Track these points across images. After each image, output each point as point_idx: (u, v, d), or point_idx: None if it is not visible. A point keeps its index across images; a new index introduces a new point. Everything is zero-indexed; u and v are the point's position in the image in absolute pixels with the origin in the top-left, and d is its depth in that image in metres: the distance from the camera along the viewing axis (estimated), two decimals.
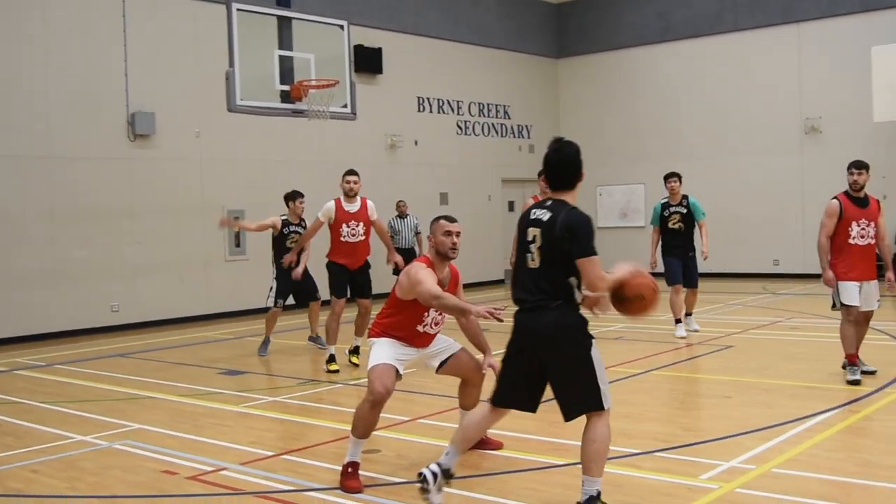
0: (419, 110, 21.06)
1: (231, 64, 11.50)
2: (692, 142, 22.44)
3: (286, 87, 12.10)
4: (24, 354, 13.12)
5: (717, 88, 22.08)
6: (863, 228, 9.04)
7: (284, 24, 12.46)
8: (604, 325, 13.10)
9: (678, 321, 12.40)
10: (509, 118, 23.38)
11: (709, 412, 7.94)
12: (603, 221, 23.50)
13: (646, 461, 6.46)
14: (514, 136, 23.53)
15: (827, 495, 5.54)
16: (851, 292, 8.98)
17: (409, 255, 17.70)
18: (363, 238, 10.97)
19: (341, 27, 12.96)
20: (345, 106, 12.59)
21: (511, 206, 22.82)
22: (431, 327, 6.38)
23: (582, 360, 5.11)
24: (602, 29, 24.00)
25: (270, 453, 7.02)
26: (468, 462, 6.41)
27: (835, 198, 9.27)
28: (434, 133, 21.19)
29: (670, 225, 12.76)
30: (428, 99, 21.25)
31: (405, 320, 6.29)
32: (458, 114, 22.00)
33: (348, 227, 10.79)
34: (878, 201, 9.32)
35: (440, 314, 6.32)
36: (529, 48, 23.90)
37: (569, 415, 5.19)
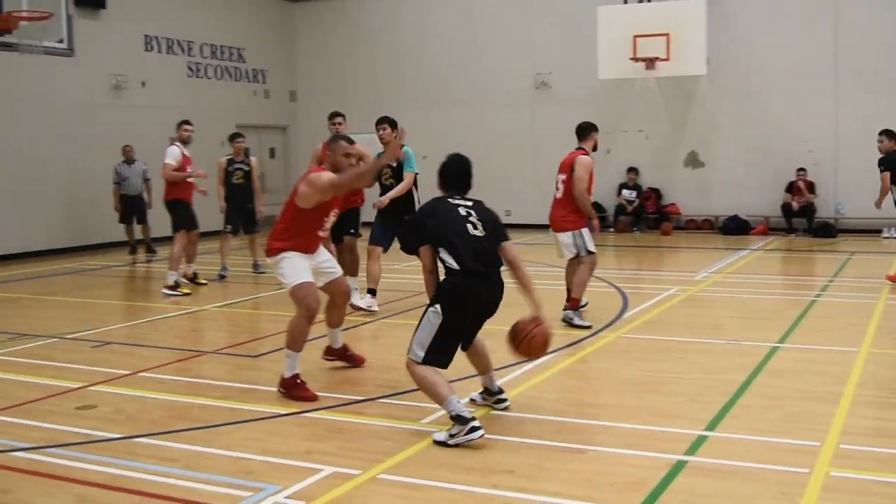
0: (147, 49, 20.02)
1: None
2: (429, 92, 22.69)
3: None
4: None
5: (455, 40, 22.38)
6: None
7: None
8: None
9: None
10: (244, 62, 22.74)
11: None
12: None
13: (369, 407, 6.48)
14: (249, 81, 22.93)
15: (538, 434, 5.77)
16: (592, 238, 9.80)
17: (137, 202, 16.98)
18: None
19: None
20: (61, 41, 11.79)
21: (247, 152, 22.26)
22: (324, 230, 7.16)
23: None
24: None
25: None
26: (183, 413, 6.17)
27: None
28: (163, 74, 20.25)
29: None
30: (157, 38, 20.25)
31: (306, 228, 6.95)
32: (190, 55, 21.14)
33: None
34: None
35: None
36: None
37: None
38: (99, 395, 6.98)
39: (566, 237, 9.87)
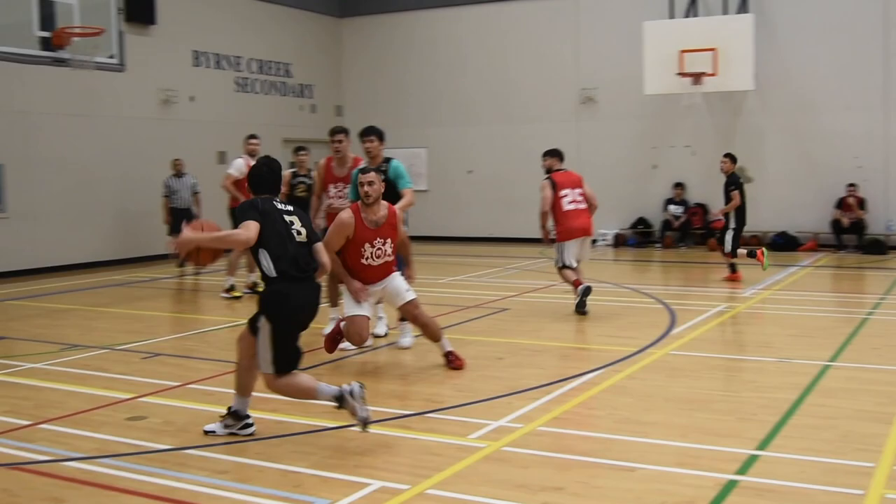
0: (195, 64, 20.29)
1: None
2: (474, 107, 22.74)
3: (47, 34, 11.34)
4: None
5: (501, 55, 22.43)
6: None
7: None
8: None
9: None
10: (291, 77, 22.94)
11: (480, 373, 8.05)
12: None
13: (416, 422, 6.48)
14: (296, 96, 23.12)
15: (587, 451, 5.72)
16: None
17: (185, 215, 17.15)
18: None
19: None
20: (112, 56, 11.96)
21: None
22: (374, 259, 7.91)
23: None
24: None
25: (27, 423, 6.60)
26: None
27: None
28: (211, 89, 20.49)
29: None
30: (205, 53, 20.50)
31: (348, 265, 7.99)
32: (238, 70, 21.37)
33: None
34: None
35: (377, 248, 7.95)
36: (311, 5, 23.48)
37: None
38: (149, 406, 7.05)
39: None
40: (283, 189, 13.47)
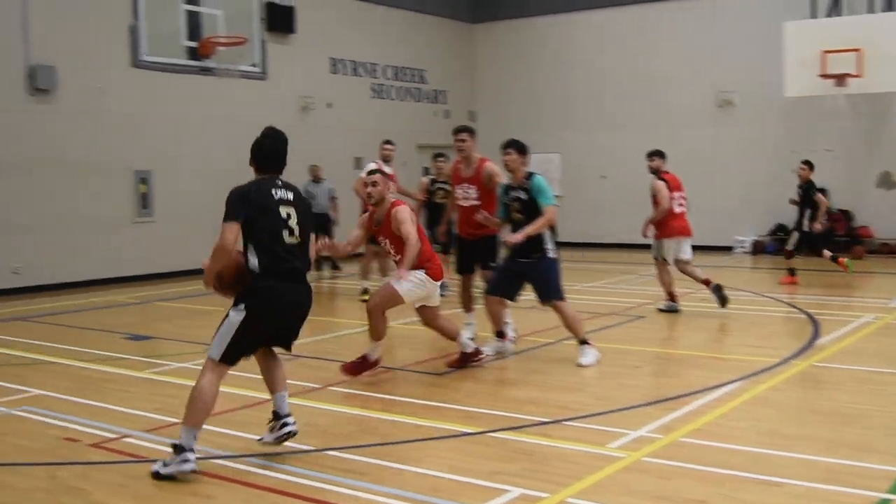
0: (333, 72, 20.72)
1: (136, 17, 11.09)
2: (608, 111, 22.55)
3: (194, 44, 11.73)
4: None
5: (634, 59, 22.17)
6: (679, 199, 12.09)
7: None
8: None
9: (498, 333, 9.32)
10: (425, 83, 23.18)
11: (618, 382, 7.97)
12: None
13: (555, 430, 6.45)
14: (430, 102, 23.35)
15: (730, 464, 5.59)
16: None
17: (324, 220, 17.49)
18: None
19: None
20: (254, 65, 12.31)
21: (426, 171, 22.66)
22: (393, 256, 8.25)
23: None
24: None
25: (176, 420, 6.81)
26: (372, 429, 6.32)
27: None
28: (348, 96, 20.88)
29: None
30: (342, 60, 20.92)
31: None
32: (373, 77, 21.72)
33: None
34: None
35: (385, 244, 8.22)
36: (446, 12, 23.69)
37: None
38: (291, 407, 7.18)
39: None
40: (422, 196, 13.58)
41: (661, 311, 11.95)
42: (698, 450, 5.91)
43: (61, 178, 15.53)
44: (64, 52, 15.50)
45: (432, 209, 13.62)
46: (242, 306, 5.61)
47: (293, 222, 5.71)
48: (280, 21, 18.67)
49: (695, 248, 20.65)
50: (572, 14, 23.11)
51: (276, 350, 6.13)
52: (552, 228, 8.77)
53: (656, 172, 12.35)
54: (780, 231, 20.46)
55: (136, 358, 9.46)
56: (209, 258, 5.61)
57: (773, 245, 20.30)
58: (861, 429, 6.39)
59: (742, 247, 20.62)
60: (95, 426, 6.71)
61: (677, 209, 12.05)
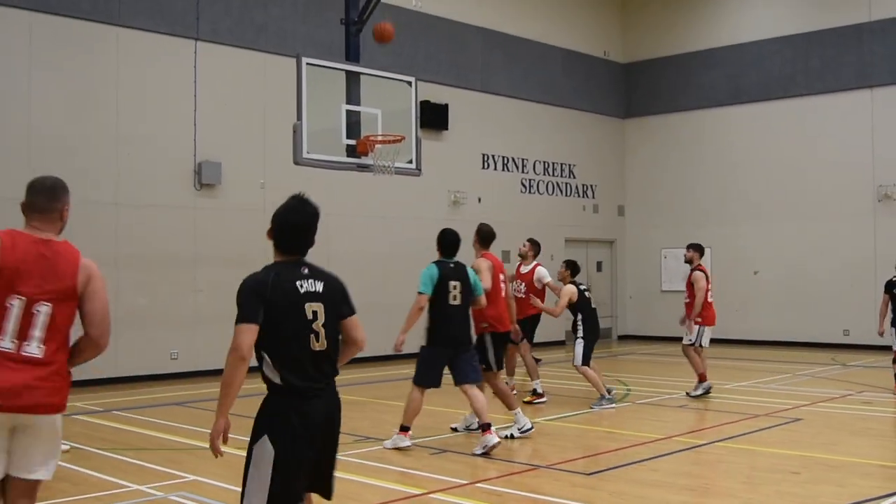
0: (483, 167, 21.07)
1: (299, 117, 11.55)
2: (759, 206, 22.12)
3: (352, 142, 12.12)
4: (84, 399, 13.16)
5: (787, 153, 21.77)
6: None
7: (353, 79, 12.51)
8: (668, 391, 12.83)
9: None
10: (574, 177, 23.27)
11: (776, 488, 7.65)
12: (667, 285, 23.20)
13: None
14: (579, 196, 23.40)
15: None
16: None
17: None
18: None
19: (409, 83, 13.00)
20: (410, 161, 12.58)
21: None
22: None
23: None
24: (670, 90, 23.88)
25: None
26: None
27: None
28: (498, 190, 21.14)
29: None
30: (493, 156, 21.26)
31: None
32: (523, 172, 21.96)
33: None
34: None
35: None
36: (596, 107, 23.85)
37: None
38: (439, 503, 7.18)
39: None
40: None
41: (696, 396, 12.79)
42: None
43: (221, 269, 16.15)
44: (229, 150, 16.34)
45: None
46: (265, 438, 4.54)
47: (320, 324, 4.61)
48: (434, 118, 19.22)
49: (854, 346, 19.97)
50: (722, 108, 22.94)
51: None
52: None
53: (690, 263, 13.27)
54: None
55: None
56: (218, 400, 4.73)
57: None
58: None
59: None
60: None
61: (710, 299, 13.22)
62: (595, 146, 23.87)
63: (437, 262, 9.57)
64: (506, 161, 21.55)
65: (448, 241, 9.61)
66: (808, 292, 21.02)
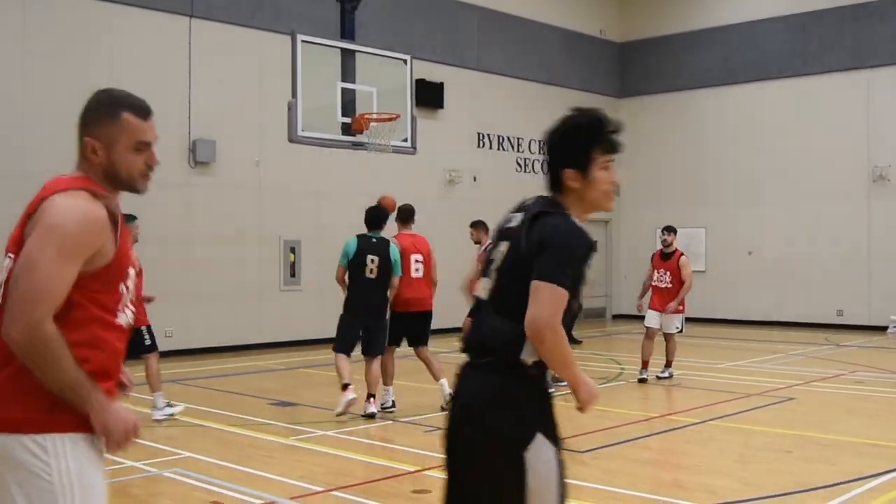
0: (479, 146, 21.03)
1: (294, 95, 11.54)
2: (754, 186, 22.11)
3: (347, 120, 12.10)
4: None
5: (782, 133, 21.74)
6: (661, 275, 12.69)
7: (348, 57, 12.50)
8: (660, 370, 12.87)
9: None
10: None
11: (768, 467, 7.69)
12: None
13: None
14: None
15: None
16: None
17: None
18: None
19: (404, 61, 12.98)
20: (405, 140, 12.58)
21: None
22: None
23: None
24: (666, 69, 23.83)
25: (320, 489, 6.92)
26: None
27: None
28: (493, 169, 21.11)
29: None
30: (488, 135, 21.23)
31: None
32: (519, 151, 21.93)
33: None
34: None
35: None
36: (592, 86, 23.79)
37: None
38: (433, 480, 7.20)
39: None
40: None
41: (660, 377, 12.59)
42: None
43: (216, 246, 16.15)
44: (224, 128, 16.29)
45: None
46: (540, 437, 3.32)
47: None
48: (429, 97, 19.14)
49: (847, 327, 20.05)
50: (720, 88, 22.89)
51: None
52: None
53: (670, 246, 12.84)
54: None
55: (281, 424, 9.64)
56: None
57: None
58: None
59: None
60: (240, 491, 6.85)
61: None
62: None
63: (358, 236, 10.12)
64: (501, 140, 21.52)
65: (370, 216, 10.32)
66: (803, 272, 21.05)
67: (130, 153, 3.03)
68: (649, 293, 12.91)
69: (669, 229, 13.03)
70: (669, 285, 12.64)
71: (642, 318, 12.95)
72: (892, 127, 20.17)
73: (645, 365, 12.53)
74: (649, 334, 12.62)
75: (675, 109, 23.63)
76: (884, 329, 19.78)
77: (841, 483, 7.02)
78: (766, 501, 6.58)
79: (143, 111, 3.10)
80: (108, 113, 3.07)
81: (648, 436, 9.00)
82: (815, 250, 21.07)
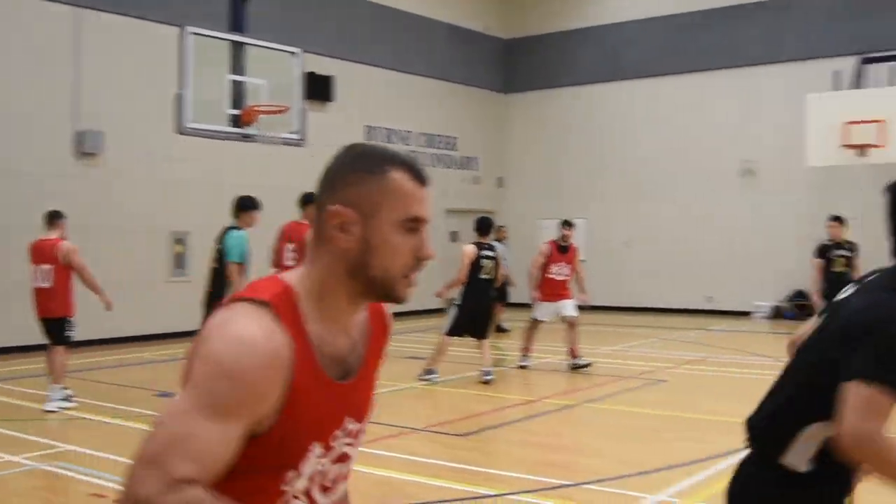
0: (368, 139, 21.26)
1: (182, 86, 11.56)
2: (633, 179, 22.88)
3: (237, 112, 12.19)
4: None
5: (663, 129, 22.54)
6: (560, 268, 13.13)
7: (238, 49, 12.57)
8: (539, 356, 13.32)
9: None
10: (456, 150, 23.67)
11: (640, 446, 8.17)
12: None
13: (577, 493, 6.67)
14: (460, 168, 23.81)
15: None
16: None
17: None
18: None
19: (293, 54, 13.11)
20: (295, 132, 12.74)
21: (454, 236, 23.04)
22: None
23: None
24: (551, 66, 24.42)
25: None
26: (397, 490, 6.56)
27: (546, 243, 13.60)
28: None
29: None
30: (377, 128, 21.48)
31: None
32: (407, 144, 22.22)
33: None
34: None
35: None
36: (478, 82, 24.26)
37: None
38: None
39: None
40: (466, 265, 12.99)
41: (579, 366, 12.64)
42: None
43: (103, 238, 15.98)
44: (112, 119, 16.13)
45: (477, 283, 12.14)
46: None
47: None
48: (319, 90, 19.28)
49: (716, 312, 20.99)
50: (598, 85, 23.59)
51: None
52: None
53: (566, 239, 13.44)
54: (799, 297, 20.60)
55: None
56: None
57: (792, 312, 20.33)
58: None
59: (761, 312, 20.77)
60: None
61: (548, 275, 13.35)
62: (477, 120, 24.30)
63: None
64: (389, 133, 21.79)
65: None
66: (677, 261, 21.92)
67: (398, 233, 1.95)
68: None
69: (568, 223, 13.63)
70: (568, 277, 13.21)
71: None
72: (761, 123, 21.15)
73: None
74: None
75: (559, 105, 24.24)
76: (748, 314, 20.80)
77: (707, 459, 7.51)
78: (639, 478, 7.02)
79: (418, 173, 2.00)
80: (369, 169, 2.00)
81: (529, 418, 9.41)
82: (689, 240, 21.97)
